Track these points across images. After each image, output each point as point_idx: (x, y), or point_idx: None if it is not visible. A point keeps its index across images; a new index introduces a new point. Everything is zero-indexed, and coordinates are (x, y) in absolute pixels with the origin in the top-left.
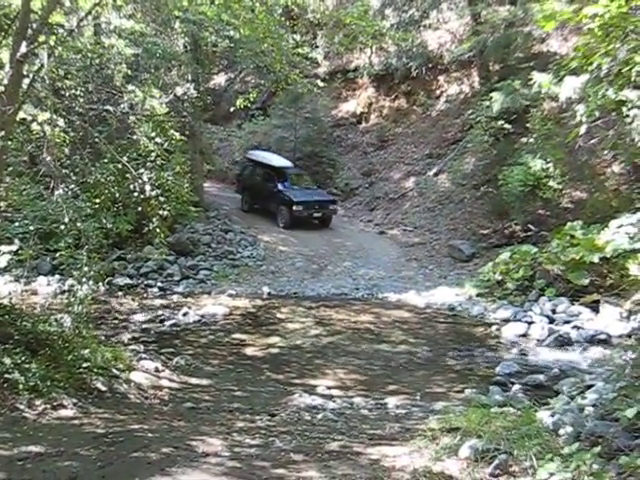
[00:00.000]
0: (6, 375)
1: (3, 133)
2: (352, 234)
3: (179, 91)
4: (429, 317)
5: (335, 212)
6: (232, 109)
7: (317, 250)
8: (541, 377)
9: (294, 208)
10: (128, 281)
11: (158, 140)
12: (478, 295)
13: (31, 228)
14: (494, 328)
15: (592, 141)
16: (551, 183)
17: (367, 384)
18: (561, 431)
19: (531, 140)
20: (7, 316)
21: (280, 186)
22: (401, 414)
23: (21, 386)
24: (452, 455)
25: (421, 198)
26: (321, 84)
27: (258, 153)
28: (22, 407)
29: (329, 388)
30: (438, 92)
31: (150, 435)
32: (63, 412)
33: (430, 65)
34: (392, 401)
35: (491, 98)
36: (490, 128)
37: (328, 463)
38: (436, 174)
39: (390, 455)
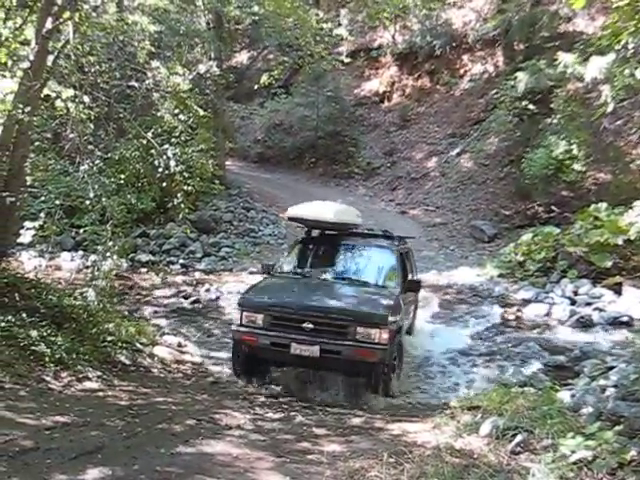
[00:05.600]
0: (33, 347)
1: (29, 109)
2: (373, 213)
3: (202, 69)
4: (450, 297)
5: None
6: (255, 87)
7: None
8: (562, 358)
9: None
10: (150, 258)
11: (182, 117)
12: (499, 276)
13: (57, 203)
14: (515, 309)
15: (618, 122)
16: (575, 165)
17: None
18: (582, 410)
19: (555, 121)
20: (33, 290)
21: None
22: (419, 390)
23: (47, 358)
24: (473, 432)
25: (443, 178)
26: (346, 60)
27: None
28: (48, 379)
29: None
30: (462, 71)
31: (174, 408)
32: (88, 384)
33: (454, 44)
34: (410, 376)
35: (515, 78)
36: (514, 108)
37: (350, 438)
38: (459, 154)
39: (411, 431)
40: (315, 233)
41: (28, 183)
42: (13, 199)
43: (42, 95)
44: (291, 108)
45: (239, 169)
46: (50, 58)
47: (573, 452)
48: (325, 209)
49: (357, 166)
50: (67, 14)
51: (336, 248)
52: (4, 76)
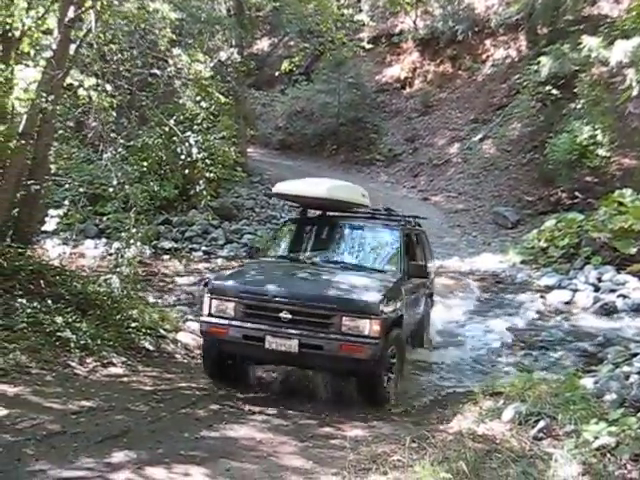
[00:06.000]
0: (58, 333)
1: (52, 98)
2: (395, 200)
3: (223, 56)
4: (472, 283)
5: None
6: (276, 74)
7: None
8: (585, 345)
9: None
10: (173, 245)
11: (204, 104)
12: (522, 262)
13: (80, 191)
14: (538, 296)
15: None
16: (599, 150)
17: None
18: (605, 397)
19: (579, 106)
20: (58, 277)
21: None
22: (443, 376)
23: (72, 344)
24: (495, 418)
25: (465, 164)
26: (367, 46)
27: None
28: (74, 364)
29: None
30: (484, 56)
31: (198, 393)
32: (113, 370)
33: (476, 28)
34: (434, 362)
35: (539, 62)
36: (537, 93)
37: (372, 423)
38: (481, 140)
39: (433, 417)
40: (314, 214)
41: (52, 171)
42: (37, 187)
43: (65, 84)
44: (312, 95)
45: (260, 156)
46: (72, 47)
47: (596, 438)
48: (317, 185)
49: (379, 153)
50: (89, 3)
51: (332, 229)
52: (27, 65)
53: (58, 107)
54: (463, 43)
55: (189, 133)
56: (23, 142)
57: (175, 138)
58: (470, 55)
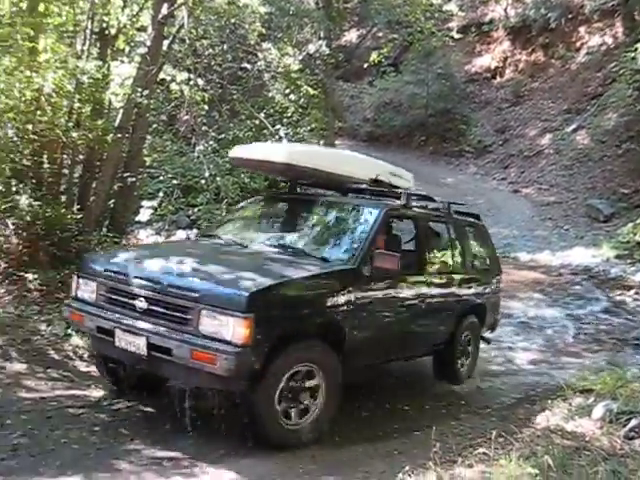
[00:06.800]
0: None
1: (146, 93)
2: (484, 192)
3: (311, 48)
4: (563, 277)
5: None
6: (364, 66)
7: None
8: None
9: None
10: None
11: (293, 97)
12: (616, 257)
13: (173, 182)
14: (633, 292)
15: None
16: None
17: (494, 340)
18: None
19: None
20: None
21: None
22: (532, 371)
23: None
24: (585, 415)
25: (558, 156)
26: (456, 36)
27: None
28: None
29: None
30: (578, 44)
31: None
32: None
33: (570, 15)
34: (522, 357)
35: (636, 49)
36: (634, 82)
37: (458, 416)
38: (574, 130)
39: (520, 412)
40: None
41: (146, 164)
42: (132, 179)
43: (158, 79)
44: (400, 86)
45: (348, 148)
46: (165, 43)
47: None
48: (278, 148)
49: (468, 144)
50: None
51: (300, 207)
52: (122, 62)
53: (152, 101)
54: (556, 31)
55: (279, 126)
56: (119, 136)
57: (265, 131)
58: (563, 43)
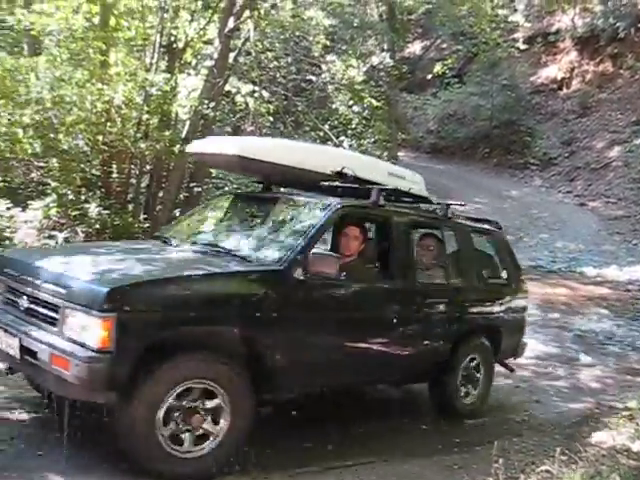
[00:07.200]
0: None
1: (212, 104)
2: (549, 205)
3: (375, 60)
4: (631, 294)
5: None
6: (428, 77)
7: (512, 221)
8: None
9: None
10: None
11: (356, 108)
12: None
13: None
14: None
15: None
16: None
17: (557, 356)
18: None
19: None
20: None
21: None
22: (596, 389)
23: None
24: None
25: (626, 168)
26: (522, 46)
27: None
28: None
29: None
30: None
31: None
32: None
33: (639, 25)
34: (586, 374)
35: None
36: None
37: (520, 432)
38: None
39: (585, 430)
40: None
41: (212, 174)
42: (198, 189)
43: (223, 91)
44: (465, 98)
45: (411, 160)
46: (231, 56)
47: None
48: (231, 141)
49: (533, 156)
50: (247, 13)
51: (262, 207)
52: (189, 74)
53: (217, 113)
54: (625, 40)
55: (343, 137)
56: (186, 147)
57: (329, 142)
58: (633, 53)
